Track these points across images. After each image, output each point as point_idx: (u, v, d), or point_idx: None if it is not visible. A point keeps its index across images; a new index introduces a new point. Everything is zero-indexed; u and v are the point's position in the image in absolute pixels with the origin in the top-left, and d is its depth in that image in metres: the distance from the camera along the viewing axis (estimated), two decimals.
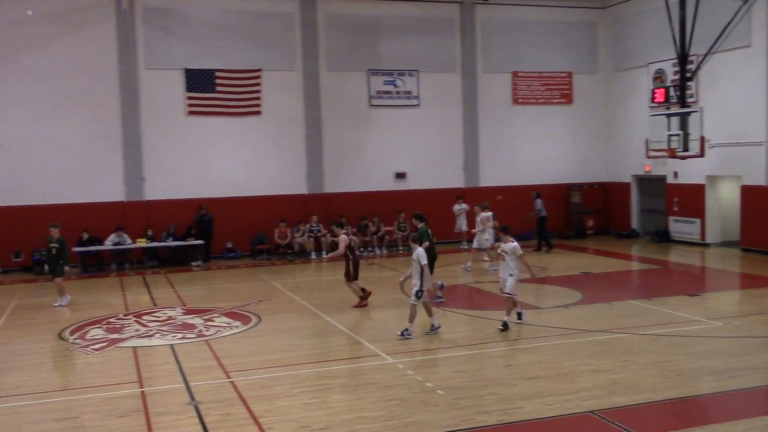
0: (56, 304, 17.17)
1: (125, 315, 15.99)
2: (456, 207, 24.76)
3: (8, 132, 23.11)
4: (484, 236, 20.60)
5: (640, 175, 28.32)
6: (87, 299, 18.25)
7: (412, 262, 13.08)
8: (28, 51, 23.30)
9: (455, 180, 27.96)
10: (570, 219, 29.31)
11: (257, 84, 25.56)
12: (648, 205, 28.47)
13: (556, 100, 29.31)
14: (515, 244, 13.52)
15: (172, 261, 24.15)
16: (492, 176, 28.35)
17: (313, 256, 24.70)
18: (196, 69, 24.83)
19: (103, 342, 13.49)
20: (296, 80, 26.06)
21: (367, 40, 26.89)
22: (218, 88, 25.13)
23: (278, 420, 9.08)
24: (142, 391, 10.45)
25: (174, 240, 24.04)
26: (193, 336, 13.82)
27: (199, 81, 24.91)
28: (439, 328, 13.36)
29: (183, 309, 16.53)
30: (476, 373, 10.99)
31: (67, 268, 17.62)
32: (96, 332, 14.31)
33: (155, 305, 17.23)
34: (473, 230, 21.69)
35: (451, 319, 14.85)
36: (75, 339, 13.85)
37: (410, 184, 27.42)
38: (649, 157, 24.99)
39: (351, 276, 16.27)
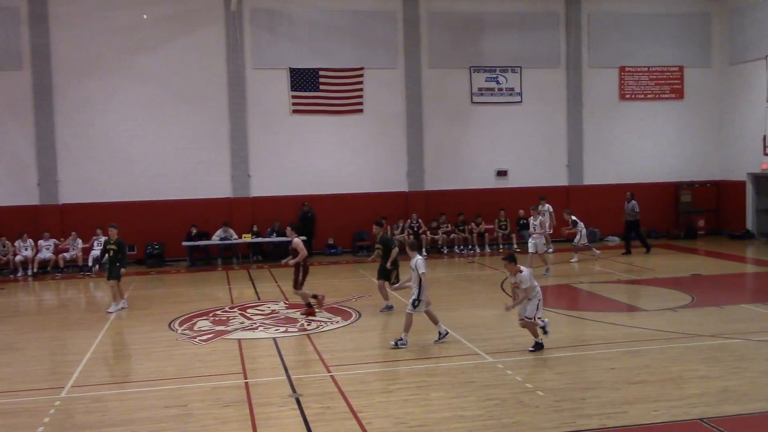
0: (110, 310, 16.34)
1: (231, 308, 16.48)
2: (539, 208, 23.56)
3: (124, 131, 24.28)
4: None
5: (757, 173, 26.90)
6: (195, 292, 18.92)
7: (410, 270, 12.48)
8: (142, 53, 24.38)
9: (558, 178, 27.40)
10: (680, 219, 28.18)
11: (360, 82, 25.82)
12: (765, 205, 27.03)
13: (665, 96, 28.23)
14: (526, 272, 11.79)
15: (276, 256, 24.69)
16: (596, 174, 27.64)
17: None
18: (300, 68, 25.33)
19: (210, 333, 13.95)
20: (398, 78, 26.18)
21: (469, 37, 26.71)
22: (321, 87, 25.55)
23: (377, 415, 9.13)
24: (246, 382, 10.73)
25: (278, 236, 24.60)
26: (295, 330, 14.10)
27: (303, 80, 25.40)
28: (447, 334, 12.70)
29: (286, 303, 16.89)
30: (578, 375, 10.73)
31: (123, 270, 16.61)
32: (203, 324, 14.81)
33: (259, 299, 17.68)
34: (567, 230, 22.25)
35: (554, 319, 14.54)
36: (183, 330, 14.37)
37: (511, 181, 27.06)
38: (766, 154, 23.72)
39: (299, 284, 15.30)
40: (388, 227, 24.98)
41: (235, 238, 24.21)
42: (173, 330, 14.45)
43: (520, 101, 27.10)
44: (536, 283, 11.91)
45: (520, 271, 11.70)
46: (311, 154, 25.52)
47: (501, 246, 25.68)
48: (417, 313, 12.46)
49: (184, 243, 23.84)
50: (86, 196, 24.09)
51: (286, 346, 12.88)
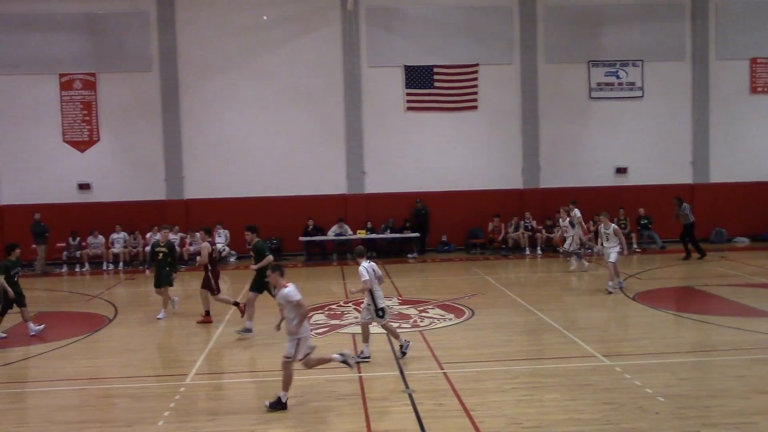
0: (159, 316, 15.53)
1: (345, 303, 16.75)
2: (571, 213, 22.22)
3: (244, 129, 25.12)
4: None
5: None
6: (311, 286, 19.34)
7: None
8: (262, 53, 25.15)
9: (681, 175, 26.25)
10: None
11: (474, 79, 25.64)
12: None
13: None
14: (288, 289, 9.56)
15: (390, 252, 24.92)
16: (724, 172, 26.29)
17: (527, 252, 24.38)
18: (415, 66, 25.41)
19: (325, 327, 14.23)
20: (513, 74, 25.82)
21: (587, 30, 26.00)
22: (436, 84, 25.54)
23: (490, 414, 9.04)
24: (360, 377, 10.87)
25: (392, 232, 24.79)
26: (408, 326, 14.16)
27: (417, 77, 25.47)
28: (409, 344, 11.69)
29: (399, 299, 17.00)
30: (702, 382, 10.25)
31: (174, 275, 15.84)
32: (319, 318, 15.13)
33: None
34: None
35: (675, 323, 13.98)
36: None
37: (631, 179, 26.15)
38: None
39: (214, 289, 14.87)
40: (502, 224, 24.74)
41: (349, 234, 24.58)
42: None
43: (642, 96, 26.14)
44: (307, 307, 9.69)
45: (285, 286, 9.59)
46: (425, 151, 25.56)
47: None
48: (385, 322, 11.67)
49: (301, 238, 24.44)
50: (208, 192, 25.11)
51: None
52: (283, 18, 25.16)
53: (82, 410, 9.83)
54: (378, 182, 25.54)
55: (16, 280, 14.27)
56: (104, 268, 23.57)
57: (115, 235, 24.24)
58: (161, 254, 15.56)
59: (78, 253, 23.94)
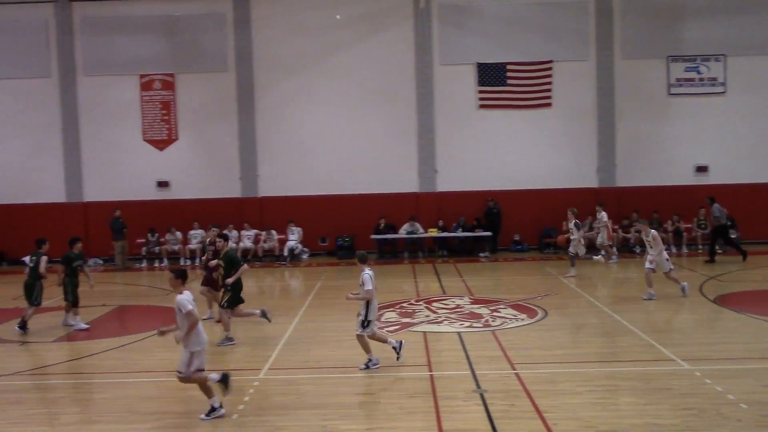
0: (205, 317, 14.49)
1: (416, 301, 16.74)
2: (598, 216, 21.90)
3: (317, 127, 25.38)
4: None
5: None
6: (382, 284, 19.31)
7: (359, 285, 11.16)
8: (335, 52, 25.37)
9: (766, 174, 25.21)
10: None
11: (548, 76, 25.27)
12: None
13: None
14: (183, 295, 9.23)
15: (461, 251, 24.79)
16: None
17: (603, 253, 23.84)
18: (487, 63, 25.20)
19: (397, 325, 14.24)
20: (589, 70, 25.32)
21: (666, 24, 25.26)
22: (509, 81, 25.27)
23: (563, 417, 8.88)
24: (431, 375, 10.84)
25: (463, 231, 24.65)
26: (480, 325, 14.05)
27: (490, 75, 25.25)
28: (377, 365, 11.12)
29: (471, 298, 16.90)
30: None
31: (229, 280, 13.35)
32: (390, 315, 15.15)
33: (444, 293, 17.81)
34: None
35: (759, 327, 13.45)
36: None
37: (712, 178, 25.28)
38: None
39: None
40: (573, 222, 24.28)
41: (421, 232, 24.56)
42: None
43: (724, 92, 25.27)
44: (199, 318, 9.27)
45: (181, 293, 9.23)
46: (497, 149, 25.31)
47: (700, 246, 24.13)
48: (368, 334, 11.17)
49: (373, 236, 24.55)
50: (282, 190, 25.48)
51: (471, 341, 12.86)
52: (356, 17, 25.32)
53: (161, 401, 10.10)
54: (450, 180, 25.43)
55: (78, 272, 14.72)
56: (181, 263, 24.17)
57: (192, 232, 24.85)
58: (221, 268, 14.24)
59: (157, 249, 24.65)
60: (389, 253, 24.80)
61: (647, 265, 16.06)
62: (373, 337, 11.24)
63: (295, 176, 25.45)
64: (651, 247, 16.04)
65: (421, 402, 9.65)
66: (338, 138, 25.41)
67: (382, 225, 24.72)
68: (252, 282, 21.41)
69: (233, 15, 25.31)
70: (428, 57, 25.20)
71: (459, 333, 13.44)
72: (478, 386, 10.17)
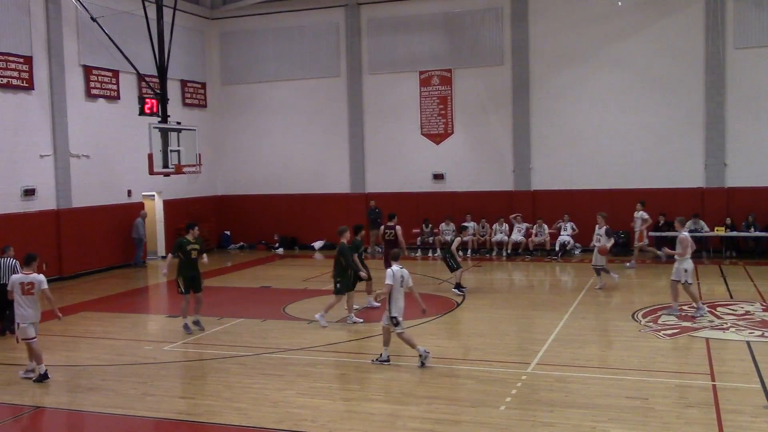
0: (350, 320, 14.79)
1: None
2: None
3: (595, 119, 24.55)
4: None
5: None
6: (660, 284, 18.32)
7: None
8: (615, 40, 24.31)
9: None
10: None
11: None
12: None
13: None
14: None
15: (753, 253, 22.58)
16: None
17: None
18: None
19: (675, 329, 13.37)
20: None
21: None
22: None
23: None
24: (714, 385, 10.03)
25: (756, 230, 22.42)
26: None
27: None
28: (428, 355, 11.32)
29: (763, 305, 15.34)
30: None
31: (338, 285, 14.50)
32: (668, 318, 14.26)
33: (731, 298, 16.38)
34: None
35: None
36: (647, 322, 14.03)
37: None
38: None
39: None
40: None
41: (705, 231, 22.76)
42: (636, 321, 14.20)
43: None
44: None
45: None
46: None
47: None
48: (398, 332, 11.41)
49: (652, 233, 23.22)
50: (555, 183, 25.05)
51: (763, 351, 11.68)
52: (639, 2, 24.03)
53: (431, 387, 10.46)
54: (742, 175, 23.18)
55: (193, 258, 14.19)
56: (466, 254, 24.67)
57: (465, 224, 25.33)
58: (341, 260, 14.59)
59: (431, 239, 25.51)
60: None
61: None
62: (401, 336, 11.44)
63: (570, 169, 24.87)
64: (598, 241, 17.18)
65: (700, 413, 8.97)
66: (615, 130, 24.37)
67: (662, 222, 23.28)
68: (521, 275, 21.40)
69: (510, 8, 25.33)
70: (720, 40, 23.17)
71: (748, 342, 12.27)
72: None
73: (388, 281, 11.37)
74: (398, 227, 17.19)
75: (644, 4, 24.01)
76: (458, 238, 18.69)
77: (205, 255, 14.56)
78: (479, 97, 25.96)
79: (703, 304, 14.72)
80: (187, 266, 14.17)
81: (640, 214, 21.35)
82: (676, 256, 14.57)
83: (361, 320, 14.77)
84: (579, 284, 18.63)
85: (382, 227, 18.07)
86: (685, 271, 14.27)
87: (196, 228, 14.46)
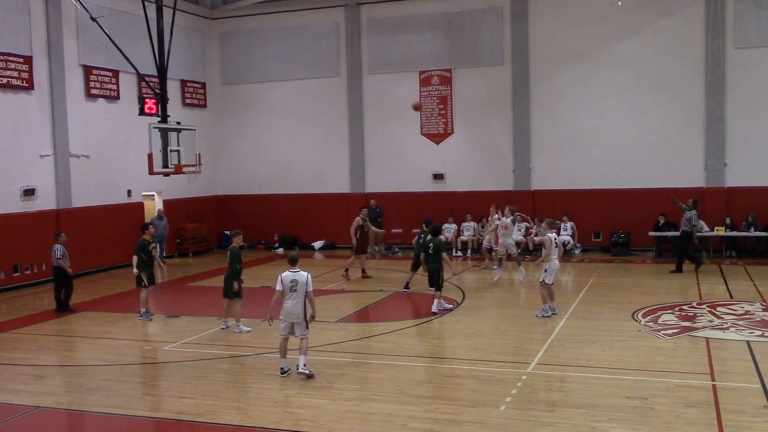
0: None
1: (699, 304, 15.58)
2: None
3: (595, 119, 24.53)
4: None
5: None
6: (661, 284, 18.33)
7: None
8: (615, 40, 24.30)
9: None
10: None
11: None
12: None
13: None
14: None
15: (753, 253, 22.59)
16: None
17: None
18: None
19: (675, 329, 13.37)
20: None
21: None
22: None
23: None
24: (714, 385, 10.04)
25: (755, 230, 22.43)
26: None
27: None
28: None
29: (763, 305, 15.34)
30: None
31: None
32: (668, 318, 14.27)
33: (731, 297, 16.38)
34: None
35: None
36: (647, 322, 14.04)
37: None
38: None
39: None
40: None
41: (705, 231, 22.75)
42: (636, 321, 14.21)
43: None
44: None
45: None
46: None
47: None
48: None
49: (651, 233, 23.25)
50: (555, 183, 25.05)
51: (763, 351, 11.68)
52: (638, 2, 24.03)
53: (431, 386, 10.47)
54: (741, 175, 23.18)
55: (153, 255, 15.77)
56: (453, 254, 24.73)
57: (465, 224, 25.37)
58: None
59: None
60: (669, 252, 23.27)
61: None
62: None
63: (570, 169, 24.87)
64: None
65: (700, 413, 8.97)
66: (615, 130, 24.36)
67: (662, 222, 23.29)
68: (519, 275, 21.38)
69: (510, 8, 25.32)
70: (720, 40, 23.16)
71: (748, 342, 12.28)
72: None
73: (278, 287, 10.91)
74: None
75: (644, 4, 24.00)
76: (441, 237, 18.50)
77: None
78: (479, 97, 25.94)
79: (702, 303, 14.71)
80: (149, 263, 15.73)
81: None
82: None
83: (249, 329, 14.23)
84: (579, 284, 18.64)
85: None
86: (545, 270, 14.71)
87: (151, 227, 16.41)
